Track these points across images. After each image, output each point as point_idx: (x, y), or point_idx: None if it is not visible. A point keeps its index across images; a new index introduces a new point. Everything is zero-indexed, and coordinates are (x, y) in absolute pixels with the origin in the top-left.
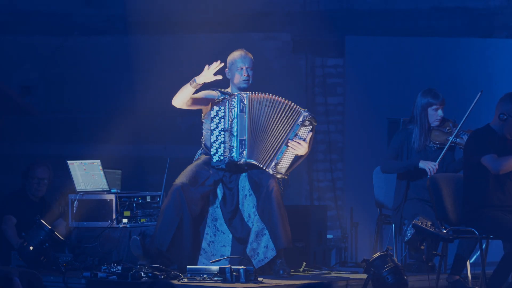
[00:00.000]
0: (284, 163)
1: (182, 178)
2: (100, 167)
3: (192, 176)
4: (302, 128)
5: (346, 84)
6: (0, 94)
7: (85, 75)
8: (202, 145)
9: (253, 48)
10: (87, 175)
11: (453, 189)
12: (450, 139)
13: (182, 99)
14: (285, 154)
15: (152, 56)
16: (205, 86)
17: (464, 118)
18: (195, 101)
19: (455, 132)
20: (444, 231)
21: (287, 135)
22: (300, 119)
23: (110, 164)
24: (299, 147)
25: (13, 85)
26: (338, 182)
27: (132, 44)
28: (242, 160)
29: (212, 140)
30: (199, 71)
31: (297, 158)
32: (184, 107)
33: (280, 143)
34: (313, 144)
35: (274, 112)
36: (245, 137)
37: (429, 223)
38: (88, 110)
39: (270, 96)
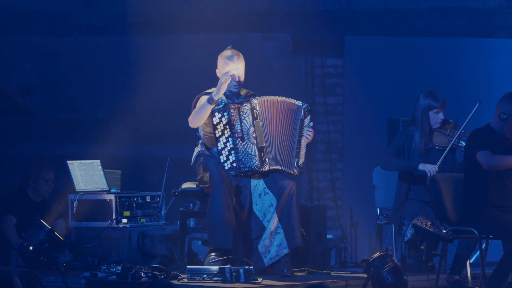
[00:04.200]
0: (302, 158)
1: (215, 174)
2: (100, 167)
3: (221, 171)
4: (305, 120)
5: (346, 84)
6: (0, 94)
7: (85, 75)
8: (203, 147)
9: (253, 48)
10: (87, 175)
11: (453, 189)
12: (452, 142)
13: (202, 119)
14: (301, 150)
15: (152, 56)
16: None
17: (463, 125)
18: None
19: (457, 135)
20: (444, 231)
21: (298, 132)
22: (302, 112)
23: (110, 164)
24: (309, 136)
25: (13, 85)
26: (337, 182)
27: (132, 44)
28: (267, 168)
29: (219, 148)
30: (198, 71)
31: (306, 146)
32: (200, 125)
33: (295, 142)
34: (312, 144)
35: (282, 113)
36: (264, 144)
37: (428, 223)
38: (88, 110)
39: (275, 98)
